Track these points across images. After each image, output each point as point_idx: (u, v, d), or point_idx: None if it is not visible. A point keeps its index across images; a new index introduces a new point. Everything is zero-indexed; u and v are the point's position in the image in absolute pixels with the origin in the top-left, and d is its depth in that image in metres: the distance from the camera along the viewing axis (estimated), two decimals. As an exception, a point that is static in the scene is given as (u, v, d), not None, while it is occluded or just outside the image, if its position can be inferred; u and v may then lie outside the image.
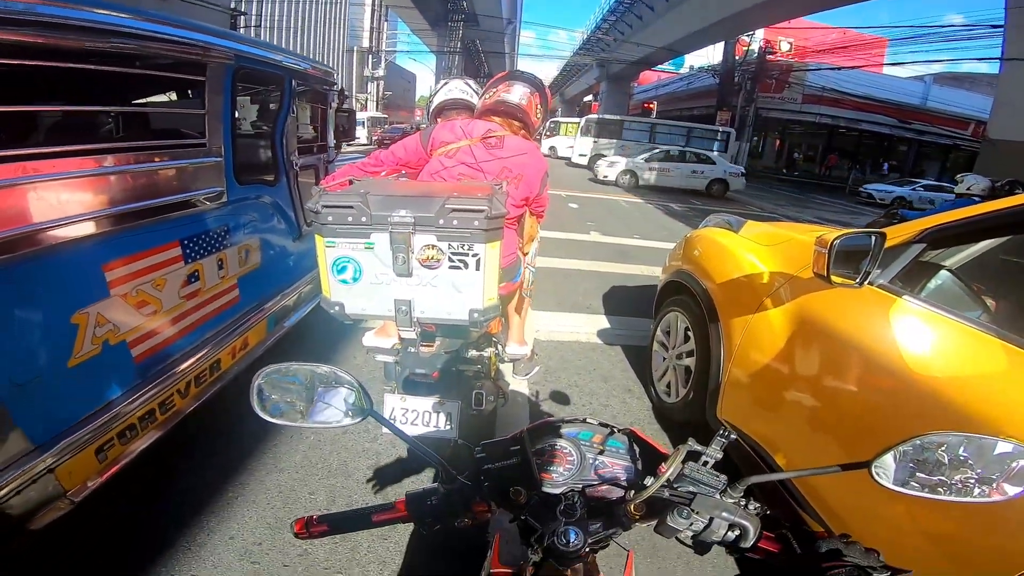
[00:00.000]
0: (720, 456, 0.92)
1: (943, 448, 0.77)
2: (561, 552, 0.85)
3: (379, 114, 36.09)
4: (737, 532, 0.84)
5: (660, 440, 2.28)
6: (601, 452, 1.14)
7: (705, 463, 0.92)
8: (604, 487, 1.05)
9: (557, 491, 0.99)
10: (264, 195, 3.09)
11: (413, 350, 2.09)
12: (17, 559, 1.92)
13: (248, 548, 2.16)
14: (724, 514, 0.83)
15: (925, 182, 24.30)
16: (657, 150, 19.99)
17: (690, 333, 3.22)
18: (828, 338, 2.13)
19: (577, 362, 4.17)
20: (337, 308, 1.56)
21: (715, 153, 21.49)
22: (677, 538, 0.86)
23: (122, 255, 2.02)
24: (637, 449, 1.14)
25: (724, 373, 2.72)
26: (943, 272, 2.02)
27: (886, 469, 0.79)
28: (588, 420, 1.16)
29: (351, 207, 1.46)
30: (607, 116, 26.00)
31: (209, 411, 2.65)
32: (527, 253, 2.68)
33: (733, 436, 0.91)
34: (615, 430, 1.15)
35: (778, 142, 38.04)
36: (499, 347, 2.67)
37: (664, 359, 3.59)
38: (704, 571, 2.32)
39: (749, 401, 2.55)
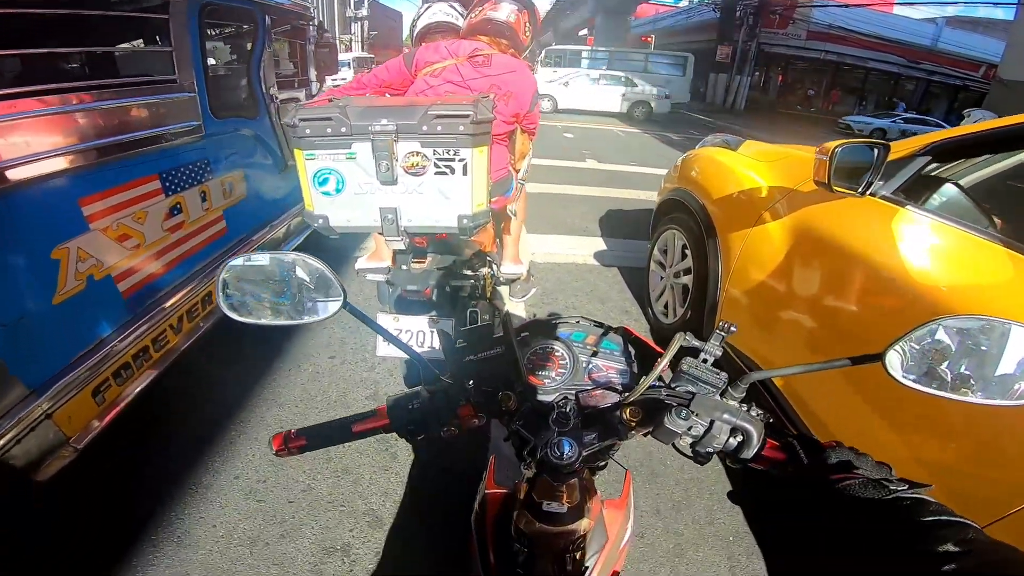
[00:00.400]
0: (720, 353, 0.85)
1: (965, 334, 0.67)
2: (554, 465, 0.77)
3: (365, 54, 34.90)
4: (739, 438, 0.77)
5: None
6: (595, 354, 1.09)
7: (704, 360, 0.85)
8: (599, 392, 0.98)
9: (549, 398, 0.94)
10: (244, 128, 3.04)
11: (405, 268, 2.05)
12: (27, 511, 1.94)
13: (252, 487, 2.17)
14: (726, 416, 0.76)
15: (905, 115, 23.76)
16: (577, 72, 20.95)
17: (687, 251, 3.18)
18: (828, 250, 2.08)
19: (574, 284, 4.15)
20: (321, 221, 1.52)
21: (664, 82, 22.13)
22: (676, 447, 0.80)
23: (99, 189, 1.95)
24: (632, 351, 1.10)
25: (722, 290, 2.70)
26: (949, 185, 1.94)
27: (901, 359, 0.70)
28: (582, 320, 1.12)
29: (329, 119, 1.40)
30: (556, 47, 25.73)
31: (206, 348, 2.64)
32: (519, 169, 2.61)
33: (734, 328, 0.84)
34: (609, 330, 1.10)
35: (781, 78, 36.78)
36: (494, 267, 2.63)
37: (661, 278, 3.57)
38: (702, 495, 2.35)
39: (747, 318, 2.51)
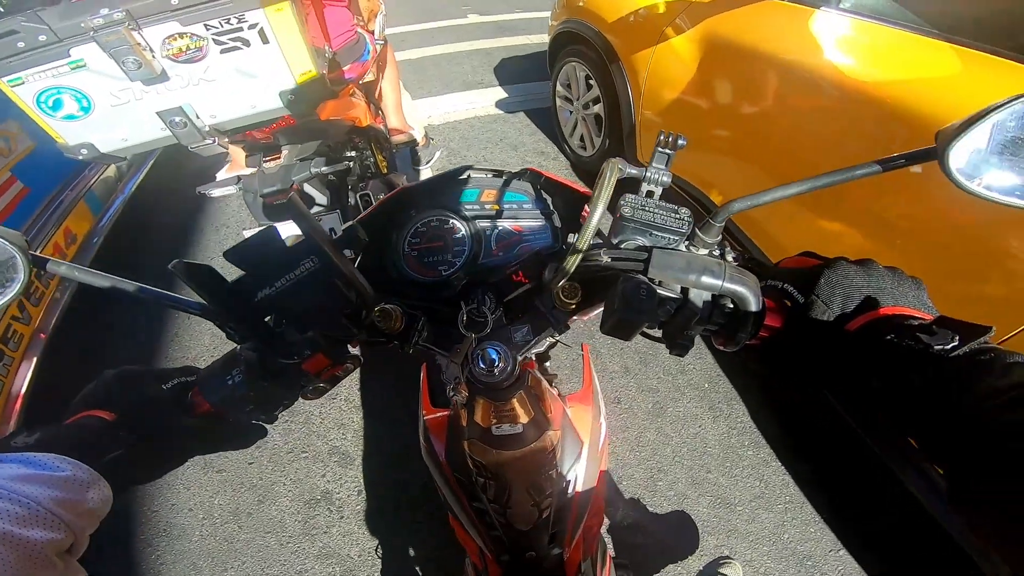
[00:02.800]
0: (669, 180, 0.57)
1: None
2: (487, 383, 0.58)
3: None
4: (728, 308, 0.51)
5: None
6: (498, 214, 0.80)
7: (650, 194, 0.57)
8: (515, 269, 0.73)
9: (448, 294, 0.71)
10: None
11: (253, 170, 1.68)
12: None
13: (206, 460, 1.98)
14: (705, 278, 0.49)
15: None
16: None
17: (592, 81, 3.00)
18: (743, 59, 1.94)
19: (481, 136, 3.86)
20: (85, 151, 1.13)
21: None
22: (644, 333, 0.55)
23: None
24: (548, 198, 0.81)
25: (636, 114, 2.58)
26: None
27: (970, 156, 0.46)
28: (470, 171, 0.79)
29: (15, 32, 0.99)
30: None
31: (88, 316, 2.30)
32: (372, 30, 2.16)
33: (683, 140, 0.57)
34: (511, 177, 0.80)
35: None
36: (383, 141, 2.26)
37: (571, 113, 3.39)
38: (690, 381, 2.21)
39: None
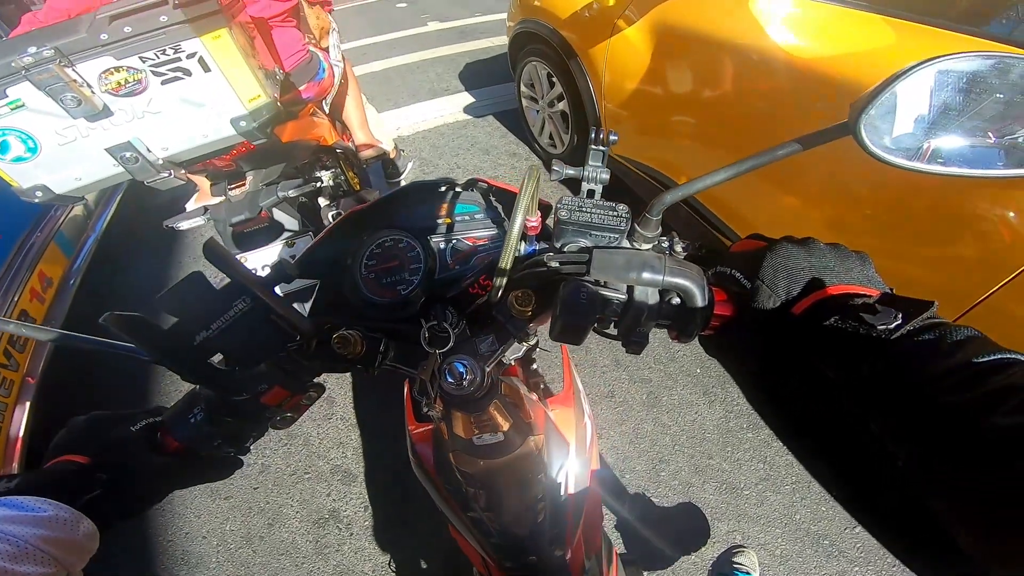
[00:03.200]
0: (607, 177, 0.56)
1: (970, 78, 0.44)
2: (458, 398, 0.57)
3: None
4: (675, 301, 0.51)
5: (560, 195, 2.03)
6: (451, 228, 0.80)
7: (590, 193, 0.57)
8: (470, 281, 0.74)
9: (409, 313, 0.70)
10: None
11: (220, 199, 1.67)
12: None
13: (212, 488, 1.98)
14: (646, 274, 0.49)
15: None
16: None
17: (554, 79, 3.01)
18: (693, 44, 1.96)
19: (452, 143, 3.86)
20: (40, 194, 1.12)
21: None
22: (601, 332, 0.56)
23: None
24: (500, 207, 0.80)
25: (600, 108, 2.59)
26: None
27: (881, 122, 0.46)
28: (412, 187, 0.79)
29: None
30: None
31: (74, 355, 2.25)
32: (327, 47, 2.16)
33: (614, 136, 0.55)
34: (456, 188, 0.79)
35: None
36: (353, 157, 2.26)
37: (538, 112, 3.40)
38: (682, 367, 2.21)
39: (633, 130, 2.38)
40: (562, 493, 0.73)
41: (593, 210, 0.55)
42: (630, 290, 0.51)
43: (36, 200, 1.13)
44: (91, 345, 0.55)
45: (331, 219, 1.82)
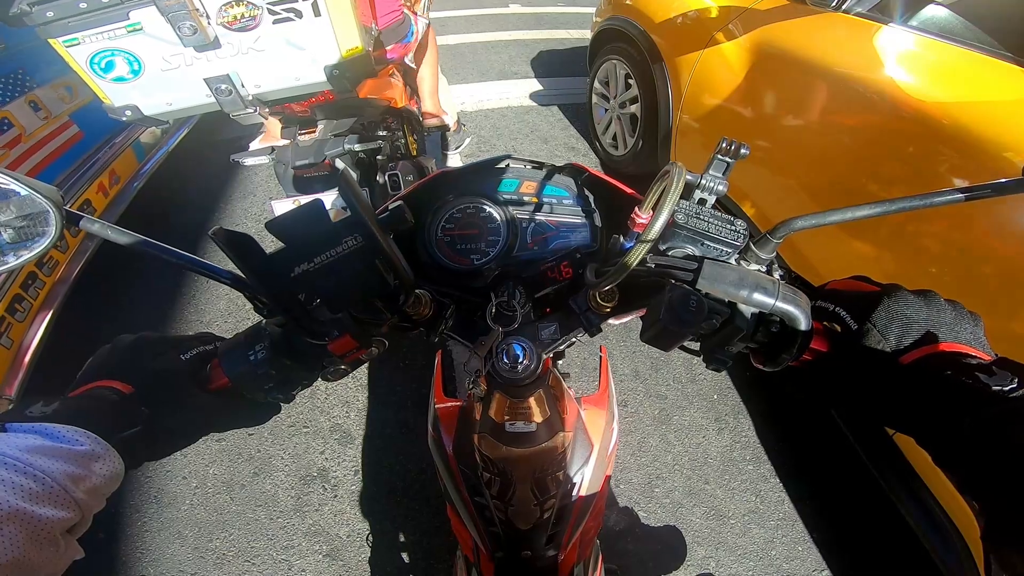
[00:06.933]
0: (724, 190, 0.54)
1: None
2: (508, 379, 0.56)
3: None
4: (775, 327, 0.49)
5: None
6: (537, 207, 0.77)
7: (702, 202, 0.54)
8: (550, 265, 0.70)
9: (481, 284, 0.69)
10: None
11: (287, 142, 1.67)
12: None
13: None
14: (757, 295, 0.46)
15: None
16: None
17: (631, 80, 2.94)
18: (798, 70, 1.87)
19: (512, 127, 3.82)
20: (129, 113, 1.13)
21: None
22: (682, 346, 0.53)
23: None
24: (591, 196, 0.78)
25: (674, 117, 2.53)
26: (932, 5, 1.71)
27: None
28: (510, 160, 0.76)
29: None
30: None
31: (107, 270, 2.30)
32: (418, 12, 2.15)
33: (745, 150, 0.52)
34: (554, 170, 0.76)
35: None
36: (416, 123, 2.26)
37: (606, 111, 3.33)
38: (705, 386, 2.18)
39: (703, 145, 2.34)
40: (574, 495, 0.72)
41: (711, 220, 0.52)
42: (732, 307, 0.49)
43: (124, 119, 1.16)
44: (176, 258, 0.54)
45: (387, 179, 1.81)
